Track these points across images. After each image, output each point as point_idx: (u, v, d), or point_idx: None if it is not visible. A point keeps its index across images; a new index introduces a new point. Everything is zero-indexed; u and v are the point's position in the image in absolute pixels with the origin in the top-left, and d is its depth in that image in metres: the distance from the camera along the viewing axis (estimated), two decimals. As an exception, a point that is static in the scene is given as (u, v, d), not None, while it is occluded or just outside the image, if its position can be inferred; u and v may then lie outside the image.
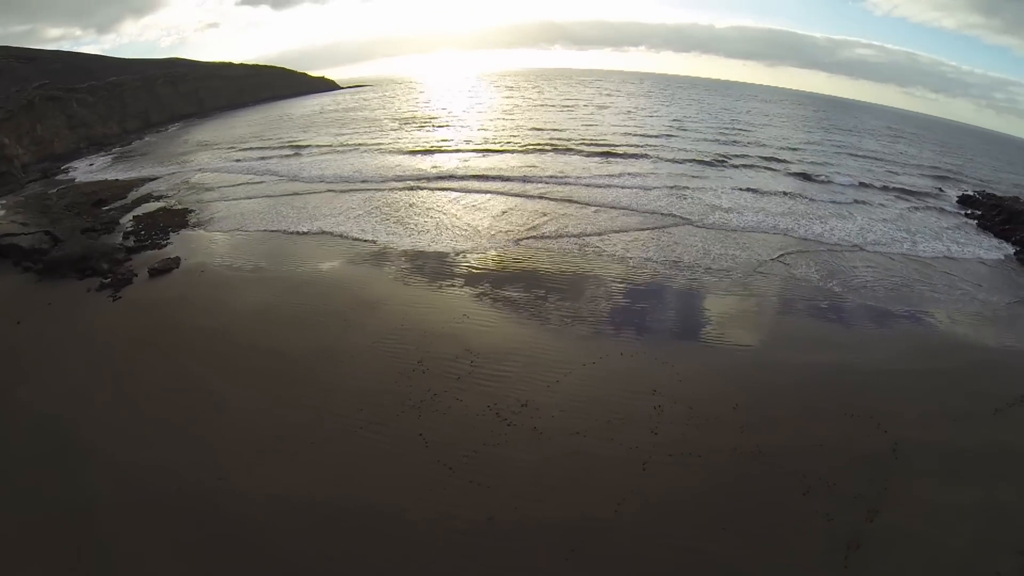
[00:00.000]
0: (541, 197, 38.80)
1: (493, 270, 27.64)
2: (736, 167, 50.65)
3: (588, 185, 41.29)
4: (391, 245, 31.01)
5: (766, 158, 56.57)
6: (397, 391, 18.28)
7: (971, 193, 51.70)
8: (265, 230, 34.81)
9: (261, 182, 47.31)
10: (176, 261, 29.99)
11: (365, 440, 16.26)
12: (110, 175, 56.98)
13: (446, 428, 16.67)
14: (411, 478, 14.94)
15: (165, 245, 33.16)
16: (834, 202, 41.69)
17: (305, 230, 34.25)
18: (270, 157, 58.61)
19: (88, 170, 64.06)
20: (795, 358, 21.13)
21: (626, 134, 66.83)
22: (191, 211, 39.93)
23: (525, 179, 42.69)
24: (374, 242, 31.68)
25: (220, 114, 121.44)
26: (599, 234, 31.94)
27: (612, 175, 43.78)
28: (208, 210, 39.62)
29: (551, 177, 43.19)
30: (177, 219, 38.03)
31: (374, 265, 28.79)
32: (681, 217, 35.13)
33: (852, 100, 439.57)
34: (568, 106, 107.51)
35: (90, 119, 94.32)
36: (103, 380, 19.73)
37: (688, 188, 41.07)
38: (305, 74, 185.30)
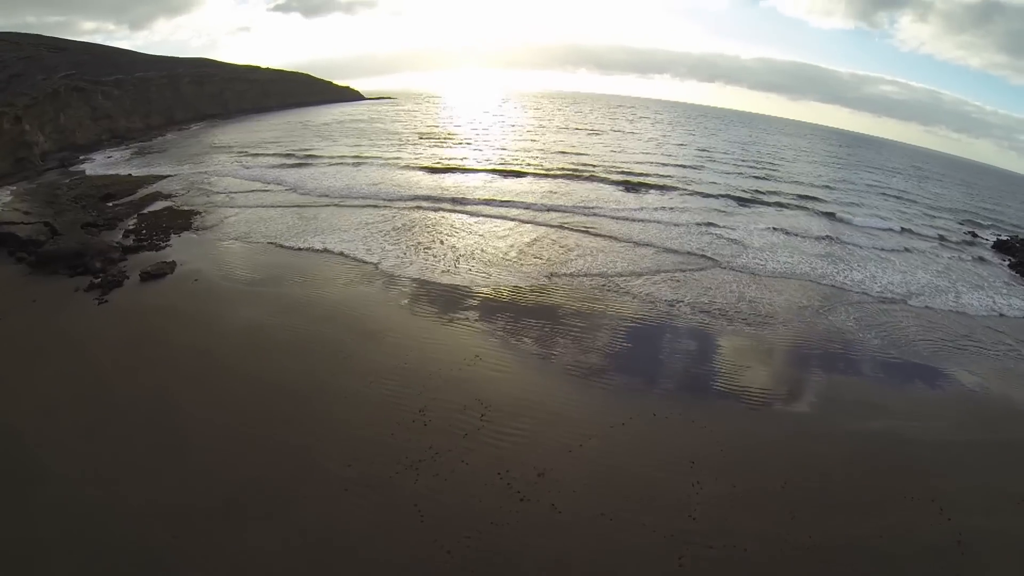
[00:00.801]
0: (565, 228, 35.80)
1: (510, 307, 24.72)
2: (768, 204, 47.88)
3: (615, 217, 38.33)
4: (400, 270, 28.12)
5: (799, 196, 53.90)
6: (393, 445, 15.51)
7: (1006, 238, 49.21)
8: (268, 242, 32.27)
9: (272, 190, 44.96)
10: (171, 266, 27.73)
11: (351, 505, 13.49)
12: (124, 170, 55.92)
13: (447, 497, 13.85)
14: (399, 560, 12.16)
15: (164, 247, 31.14)
16: (872, 247, 38.84)
17: (309, 246, 31.53)
18: (285, 165, 56.58)
19: (105, 162, 62.50)
20: (845, 425, 18.43)
21: (653, 163, 64.29)
22: (197, 213, 37.84)
23: (548, 207, 39.67)
24: (380, 265, 28.84)
25: (244, 116, 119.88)
26: (627, 275, 28.87)
27: (640, 208, 40.94)
28: (214, 215, 37.34)
29: (576, 207, 40.18)
30: (181, 221, 36.04)
31: (379, 290, 26.01)
32: (714, 258, 32.17)
33: (874, 137, 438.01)
34: (595, 131, 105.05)
35: (114, 112, 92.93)
36: (71, 397, 17.34)
37: (719, 226, 38.24)
38: (330, 82, 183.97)
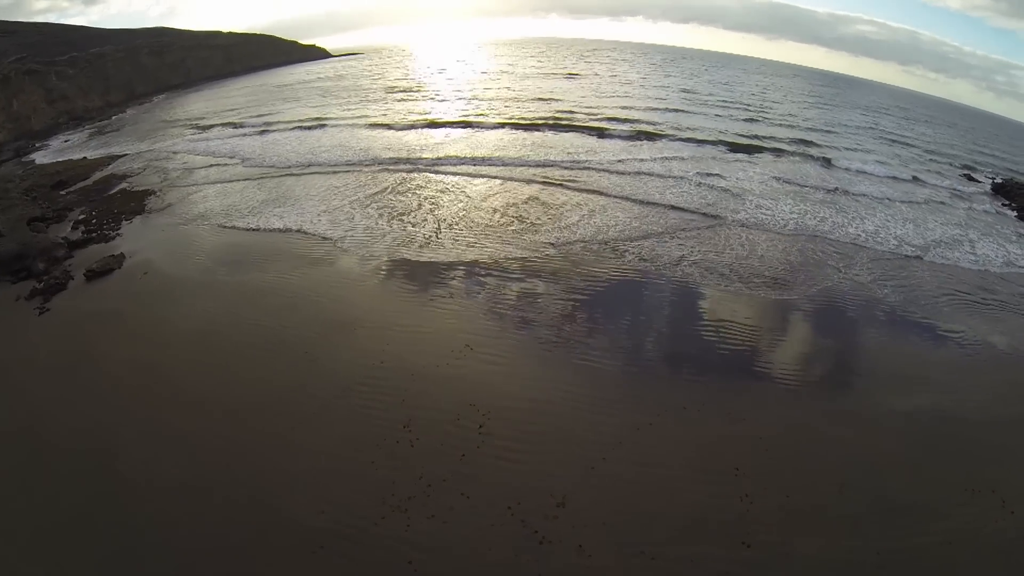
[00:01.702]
0: (554, 185, 31.51)
1: (503, 283, 20.92)
2: (764, 150, 43.97)
3: (608, 171, 33.99)
4: (370, 246, 24.16)
5: (794, 140, 50.03)
6: (375, 478, 12.42)
7: (1001, 181, 46.73)
8: (223, 223, 28.19)
9: (229, 164, 40.08)
10: (120, 259, 24.43)
11: (326, 570, 10.33)
12: (80, 153, 52.29)
13: (447, 547, 10.89)
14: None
15: (114, 237, 27.71)
16: (878, 196, 35.57)
17: (269, 224, 27.38)
18: (246, 133, 51.63)
19: (62, 147, 58.93)
20: (890, 403, 15.81)
21: (638, 108, 59.20)
22: (151, 194, 34.32)
23: (533, 163, 35.21)
24: (348, 241, 24.86)
25: (207, 84, 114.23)
26: (632, 239, 24.97)
27: (633, 158, 36.60)
28: (169, 194, 33.51)
29: (563, 161, 35.62)
30: (134, 204, 32.64)
31: (348, 271, 22.13)
32: (719, 215, 28.44)
33: (852, 77, 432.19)
34: (571, 75, 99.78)
35: (71, 92, 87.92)
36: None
37: (719, 176, 34.43)
38: (295, 42, 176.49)
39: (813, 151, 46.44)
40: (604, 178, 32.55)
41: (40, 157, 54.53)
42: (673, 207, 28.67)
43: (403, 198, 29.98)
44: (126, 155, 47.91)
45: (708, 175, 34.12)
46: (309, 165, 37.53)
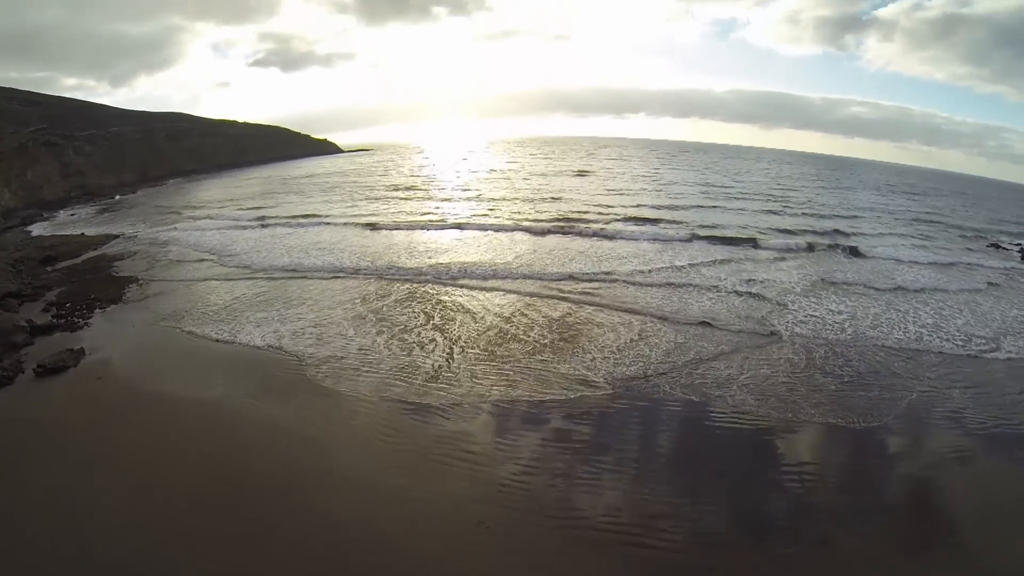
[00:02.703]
0: (579, 301, 26.28)
1: (529, 431, 15.86)
2: (797, 245, 40.38)
3: (640, 283, 29.26)
4: (366, 374, 19.06)
5: (823, 231, 46.97)
6: None
7: None
8: (195, 332, 23.47)
9: (225, 259, 36.37)
10: (78, 356, 20.90)
11: None
12: (80, 229, 50.90)
13: None
14: None
15: (81, 327, 24.56)
16: (928, 287, 32.05)
17: (250, 339, 22.49)
18: (246, 226, 48.89)
19: (66, 220, 58.36)
20: None
21: (655, 205, 56.51)
22: (133, 282, 31.31)
23: (553, 274, 30.58)
24: (339, 365, 19.83)
25: (220, 171, 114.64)
26: (679, 367, 19.46)
27: (663, 266, 32.49)
28: (151, 286, 30.23)
29: (587, 272, 30.96)
30: (113, 291, 29.61)
31: (337, 406, 17.18)
32: (770, 330, 23.54)
33: (849, 158, 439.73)
34: (581, 172, 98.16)
35: (86, 168, 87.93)
36: None
37: (758, 282, 30.08)
38: (308, 136, 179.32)
39: (843, 240, 43.17)
40: (633, 292, 27.95)
41: (40, 228, 53.47)
42: (716, 325, 23.66)
43: (406, 314, 24.93)
44: (123, 236, 45.93)
45: (745, 281, 30.10)
46: (303, 268, 33.46)
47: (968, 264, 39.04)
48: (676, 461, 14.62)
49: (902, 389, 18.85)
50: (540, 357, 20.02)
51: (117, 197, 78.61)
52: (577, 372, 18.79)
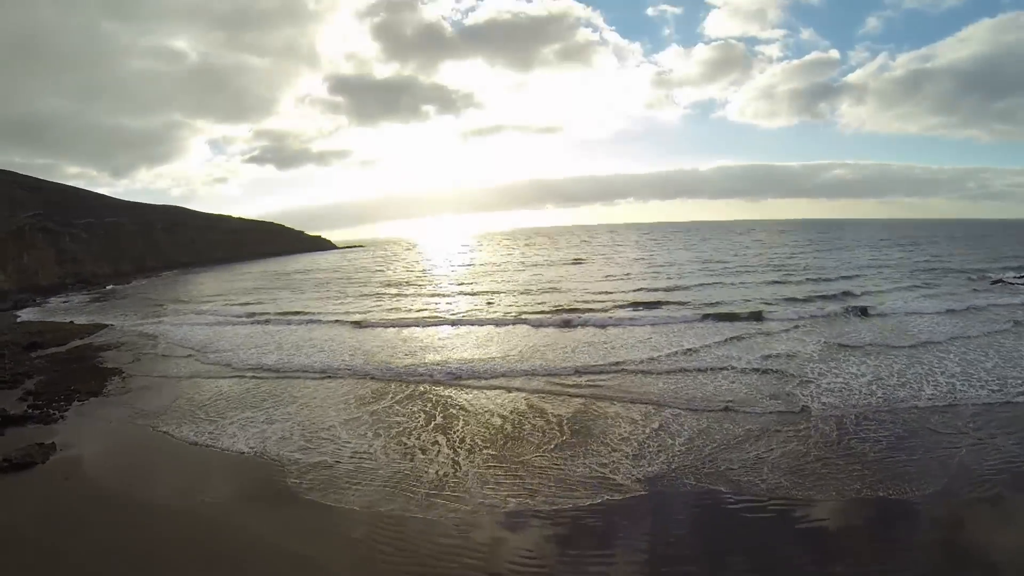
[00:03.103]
0: (592, 396, 23.51)
1: (556, 551, 13.20)
2: (807, 313, 38.77)
3: (650, 372, 26.54)
4: (361, 485, 16.49)
5: (829, 295, 45.79)
6: None
7: None
8: (170, 434, 21.28)
9: (212, 356, 34.18)
10: (47, 452, 19.20)
11: None
12: (71, 317, 50.93)
13: None
14: None
15: (57, 419, 22.97)
16: (949, 336, 30.49)
17: (228, 443, 20.19)
18: (237, 321, 47.41)
19: (58, 307, 59.56)
20: None
21: (656, 288, 55.07)
22: (116, 375, 29.85)
23: (559, 369, 27.70)
24: (330, 474, 17.28)
25: (215, 265, 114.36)
26: (708, 459, 17.05)
27: (674, 352, 29.72)
28: (133, 381, 28.69)
29: (595, 365, 27.95)
30: (94, 383, 28.02)
31: (329, 522, 14.65)
32: (797, 406, 21.11)
33: (835, 219, 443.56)
34: (578, 260, 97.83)
35: (81, 256, 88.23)
36: None
37: (775, 357, 27.76)
38: (302, 232, 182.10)
39: (852, 302, 41.93)
40: (645, 381, 25.18)
41: (30, 314, 53.72)
42: (737, 406, 21.40)
43: (403, 416, 22.42)
44: (111, 327, 44.89)
45: (761, 357, 27.82)
46: (292, 367, 30.82)
47: (980, 306, 38.18)
48: (717, 563, 12.20)
49: (948, 447, 17.04)
50: (554, 459, 17.76)
51: (110, 287, 77.91)
52: (596, 473, 16.49)
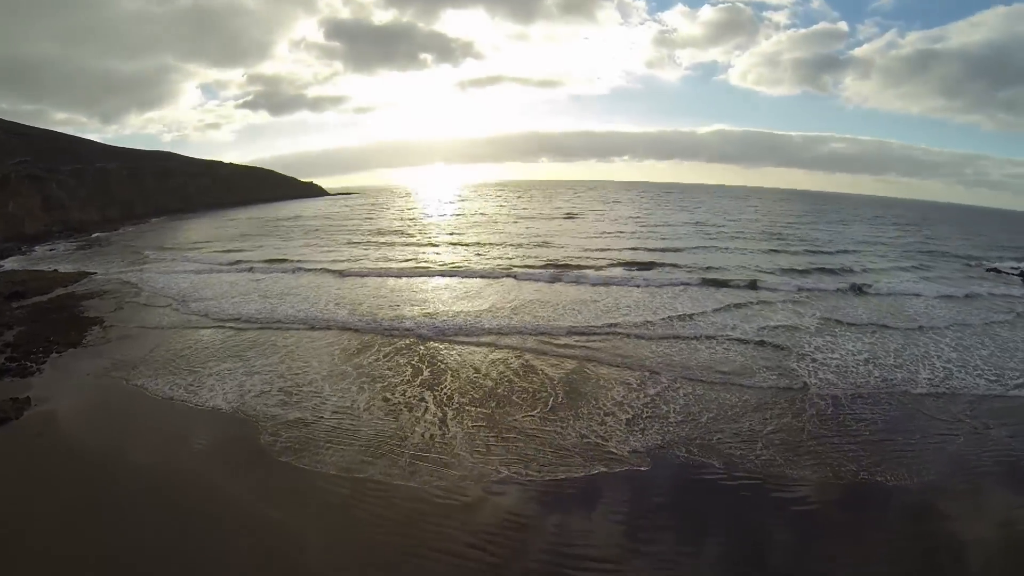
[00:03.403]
0: (584, 358, 22.57)
1: (539, 513, 12.84)
2: (804, 285, 37.59)
3: (645, 336, 25.44)
4: (342, 446, 15.65)
5: (825, 268, 44.62)
6: None
7: None
8: (147, 388, 20.26)
9: (194, 305, 32.77)
10: (20, 408, 18.53)
11: None
12: (56, 265, 49.00)
13: None
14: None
15: (34, 372, 22.14)
16: (949, 322, 29.77)
17: (205, 397, 19.21)
18: (224, 269, 45.97)
19: (44, 256, 57.12)
20: None
21: (649, 248, 53.72)
22: (97, 324, 28.84)
23: (551, 328, 26.50)
24: (309, 432, 16.49)
25: (205, 212, 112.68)
26: (703, 430, 16.46)
27: (669, 316, 28.76)
28: (113, 330, 27.82)
29: (587, 326, 26.93)
30: (74, 334, 27.05)
31: (303, 484, 13.91)
32: (798, 381, 20.42)
33: (831, 193, 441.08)
34: (571, 215, 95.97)
35: (69, 203, 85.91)
36: None
37: (771, 329, 26.64)
38: (294, 179, 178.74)
39: (851, 278, 40.82)
40: (641, 346, 24.17)
41: (14, 262, 52.04)
42: (736, 381, 20.32)
43: (388, 370, 21.49)
44: (95, 275, 43.45)
45: (759, 328, 26.83)
46: (275, 317, 29.61)
47: (979, 294, 37.50)
48: (708, 540, 11.67)
49: (945, 434, 16.65)
50: (548, 424, 16.85)
51: (97, 234, 76.37)
52: (592, 441, 15.76)
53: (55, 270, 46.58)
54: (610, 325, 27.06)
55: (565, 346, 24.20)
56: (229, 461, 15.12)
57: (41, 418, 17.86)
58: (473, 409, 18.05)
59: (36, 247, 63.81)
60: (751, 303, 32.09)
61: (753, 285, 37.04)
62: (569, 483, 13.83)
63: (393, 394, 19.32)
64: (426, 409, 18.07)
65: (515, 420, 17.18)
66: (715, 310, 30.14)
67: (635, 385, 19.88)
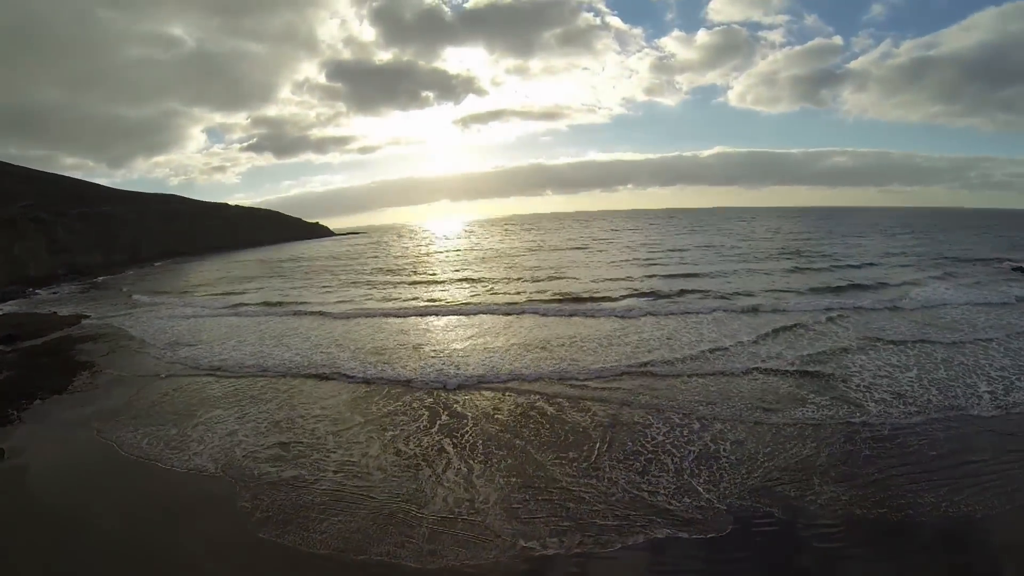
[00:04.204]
0: (623, 403, 19.43)
1: None
2: (835, 304, 34.50)
3: (683, 375, 22.16)
4: (349, 512, 12.86)
5: (854, 285, 41.72)
6: None
7: None
8: (123, 443, 17.76)
9: (187, 353, 29.69)
10: None
11: None
12: (58, 308, 48.59)
13: None
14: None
15: (13, 421, 20.45)
16: (989, 329, 27.59)
17: (184, 460, 16.28)
18: (221, 312, 43.57)
19: (47, 299, 56.71)
20: None
21: (669, 274, 50.77)
22: (87, 370, 27.08)
23: (581, 372, 22.86)
24: (305, 500, 13.70)
25: (211, 253, 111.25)
26: (769, 480, 13.69)
27: (704, 350, 25.58)
28: (102, 376, 25.93)
29: (620, 367, 23.45)
30: (62, 380, 25.22)
31: (291, 566, 11.10)
32: (861, 413, 17.55)
33: (835, 207, 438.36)
34: (582, 247, 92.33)
35: (74, 246, 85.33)
36: None
37: (819, 353, 24.14)
38: (299, 219, 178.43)
39: (885, 293, 38.08)
40: (681, 386, 20.87)
41: (15, 305, 51.93)
42: (790, 419, 17.30)
43: (402, 427, 18.15)
44: (92, 319, 42.03)
45: (800, 357, 23.72)
46: (273, 366, 26.39)
47: (1019, 296, 35.26)
48: None
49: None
50: (591, 482, 13.82)
51: (101, 278, 75.38)
52: (647, 499, 12.92)
53: (54, 313, 45.76)
54: (642, 364, 23.81)
55: (597, 389, 21.14)
56: (199, 533, 12.48)
57: (11, 474, 15.88)
58: (502, 465, 15.21)
59: (40, 290, 63.59)
60: (785, 328, 29.13)
61: (782, 308, 34.26)
62: (630, 552, 11.07)
63: (406, 445, 16.70)
64: (447, 465, 15.29)
65: (553, 477, 14.39)
66: (752, 340, 27.09)
67: (681, 430, 17.10)
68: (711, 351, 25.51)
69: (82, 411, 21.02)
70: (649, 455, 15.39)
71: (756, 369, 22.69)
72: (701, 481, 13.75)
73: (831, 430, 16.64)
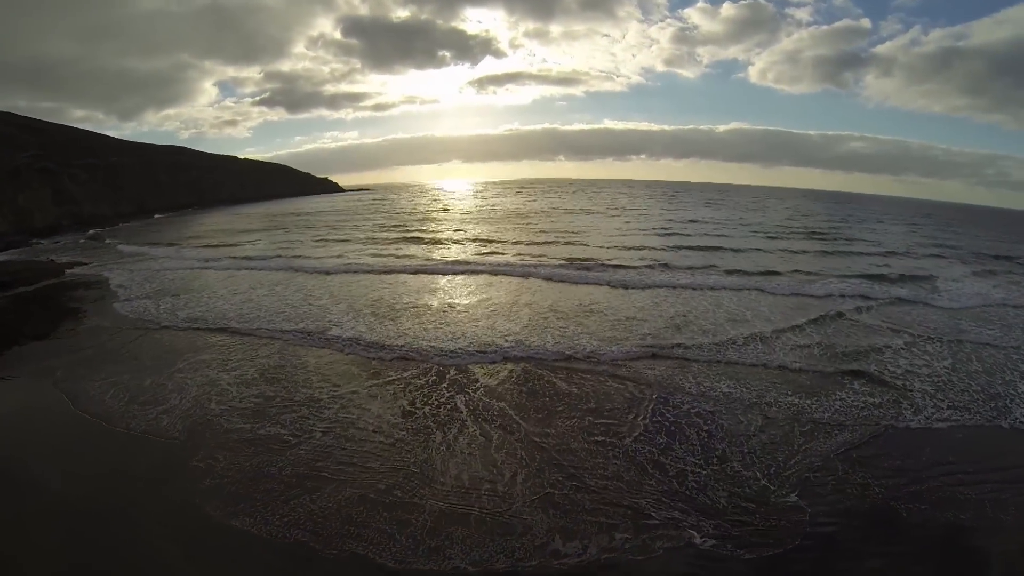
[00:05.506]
0: (654, 384, 17.37)
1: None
2: (888, 300, 30.30)
3: (718, 361, 19.73)
4: (318, 500, 11.50)
5: (900, 277, 37.65)
6: None
7: None
8: (89, 395, 16.44)
9: (181, 303, 28.12)
10: None
11: None
12: (58, 256, 47.74)
13: None
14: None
15: None
16: None
17: (153, 417, 14.89)
18: (219, 265, 40.86)
19: (49, 248, 55.25)
20: None
21: (690, 246, 48.61)
22: (74, 315, 26.65)
23: (607, 353, 20.25)
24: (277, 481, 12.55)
25: (219, 207, 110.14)
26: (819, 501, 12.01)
27: (747, 335, 22.88)
28: (87, 321, 25.17)
29: (649, 346, 21.21)
30: (45, 328, 24.45)
31: (253, 557, 9.58)
32: (910, 424, 15.43)
33: (850, 193, 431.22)
34: (592, 212, 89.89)
35: (80, 197, 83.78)
36: None
37: (866, 349, 21.60)
38: (308, 175, 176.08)
39: (926, 287, 34.68)
40: (717, 376, 18.37)
41: (14, 254, 50.98)
42: (841, 424, 15.05)
43: (395, 399, 16.34)
44: (86, 266, 41.47)
45: (842, 353, 20.95)
46: (262, 325, 24.05)
47: None
48: None
49: None
50: (629, 484, 11.87)
51: (106, 228, 74.46)
52: (701, 499, 11.24)
53: (51, 260, 45.05)
54: (675, 346, 21.35)
55: (626, 368, 18.90)
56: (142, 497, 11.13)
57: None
58: (521, 440, 13.48)
59: (43, 240, 62.66)
60: (825, 317, 26.32)
61: (819, 294, 31.47)
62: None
63: (402, 430, 14.53)
64: (452, 448, 13.43)
65: (587, 466, 12.45)
66: (787, 328, 24.30)
67: (728, 421, 15.10)
68: (749, 337, 22.76)
69: (58, 360, 19.83)
70: (685, 455, 13.41)
71: (795, 366, 19.65)
72: (735, 482, 12.15)
73: (885, 441, 14.55)
